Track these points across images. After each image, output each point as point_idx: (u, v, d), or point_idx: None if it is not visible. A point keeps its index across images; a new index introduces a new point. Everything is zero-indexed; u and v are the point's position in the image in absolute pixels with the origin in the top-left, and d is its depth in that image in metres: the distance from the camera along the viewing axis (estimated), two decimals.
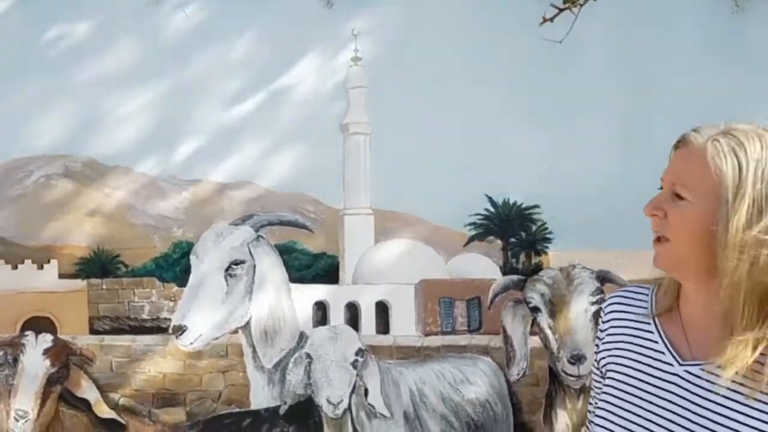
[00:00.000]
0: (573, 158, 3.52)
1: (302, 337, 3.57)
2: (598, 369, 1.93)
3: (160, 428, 3.51)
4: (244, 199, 3.47)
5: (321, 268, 3.47)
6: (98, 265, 3.48)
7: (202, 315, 3.44)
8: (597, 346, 1.93)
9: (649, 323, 1.77)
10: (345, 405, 3.43)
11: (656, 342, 1.74)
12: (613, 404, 1.73)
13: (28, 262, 3.50)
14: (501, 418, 3.57)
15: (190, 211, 3.46)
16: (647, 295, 1.83)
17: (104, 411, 3.49)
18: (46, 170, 3.52)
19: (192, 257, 3.52)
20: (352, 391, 3.46)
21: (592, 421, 1.81)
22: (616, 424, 1.72)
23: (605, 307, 1.92)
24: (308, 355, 3.48)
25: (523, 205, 3.52)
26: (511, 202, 3.50)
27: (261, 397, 3.54)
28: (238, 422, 3.51)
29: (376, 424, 3.53)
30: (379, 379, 3.49)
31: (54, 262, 3.48)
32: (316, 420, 3.48)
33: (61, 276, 3.50)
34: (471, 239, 3.51)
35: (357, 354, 3.44)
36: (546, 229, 3.50)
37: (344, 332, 3.53)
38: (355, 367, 3.45)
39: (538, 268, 3.53)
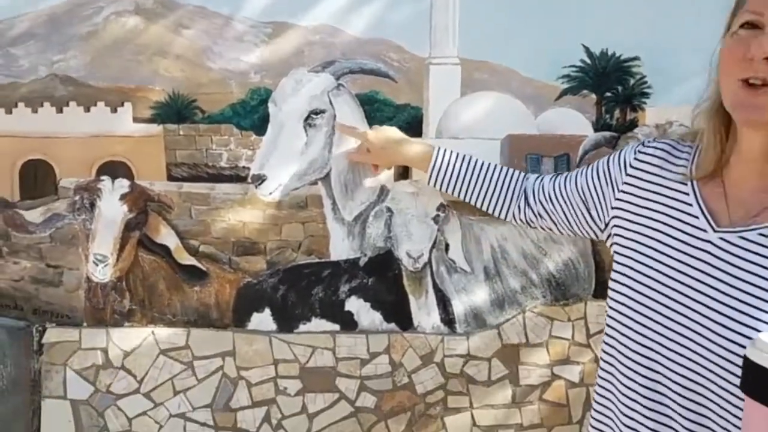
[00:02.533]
0: (677, 8, 3.26)
1: (383, 191, 3.48)
2: (613, 190, 1.76)
3: (240, 276, 3.51)
4: (325, 45, 3.27)
5: (404, 120, 3.33)
6: (174, 110, 3.36)
7: (282, 165, 3.35)
8: (619, 168, 1.75)
9: (686, 184, 1.62)
10: (425, 259, 3.41)
11: (690, 205, 1.59)
12: (634, 269, 1.62)
13: (100, 104, 3.38)
14: (583, 277, 3.54)
15: (267, 56, 3.28)
16: (689, 154, 1.70)
17: (184, 257, 3.50)
18: (116, 6, 3.31)
19: (270, 105, 3.38)
20: (433, 246, 3.43)
21: (612, 278, 1.69)
22: (636, 290, 1.61)
23: (642, 149, 1.75)
24: (389, 209, 3.42)
25: (622, 57, 3.29)
26: (609, 53, 3.27)
27: (341, 248, 3.51)
28: (318, 272, 3.51)
29: (456, 278, 3.51)
30: (461, 235, 3.45)
31: (128, 105, 3.36)
32: (396, 273, 3.48)
33: (135, 120, 3.39)
34: (563, 93, 3.32)
35: (438, 209, 3.38)
36: (644, 83, 3.30)
37: (426, 186, 3.43)
38: (436, 222, 3.39)
39: (632, 124, 3.36)
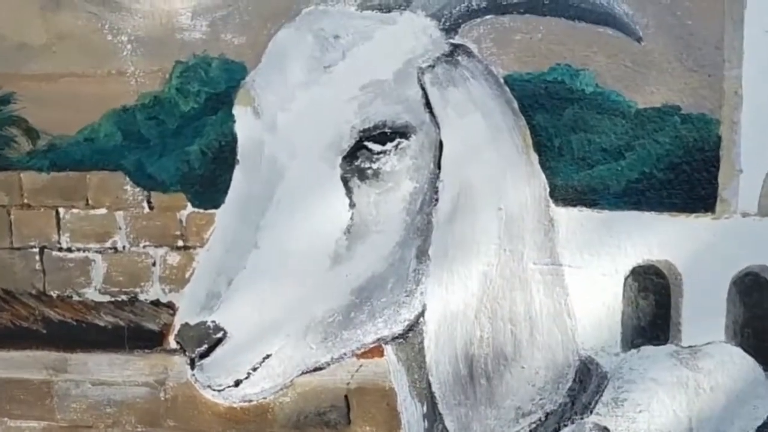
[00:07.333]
0: None
1: (590, 374, 1.16)
2: None
3: None
4: None
5: (667, 161, 1.05)
6: None
7: (270, 297, 1.06)
8: None
9: None
10: None
11: None
12: None
13: None
14: None
15: None
16: None
17: None
18: None
19: (240, 113, 1.12)
20: None
21: None
22: None
23: None
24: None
25: None
26: None
27: None
28: None
29: None
30: None
31: None
32: None
33: None
34: None
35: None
36: None
37: (741, 366, 1.13)
38: None
39: None
